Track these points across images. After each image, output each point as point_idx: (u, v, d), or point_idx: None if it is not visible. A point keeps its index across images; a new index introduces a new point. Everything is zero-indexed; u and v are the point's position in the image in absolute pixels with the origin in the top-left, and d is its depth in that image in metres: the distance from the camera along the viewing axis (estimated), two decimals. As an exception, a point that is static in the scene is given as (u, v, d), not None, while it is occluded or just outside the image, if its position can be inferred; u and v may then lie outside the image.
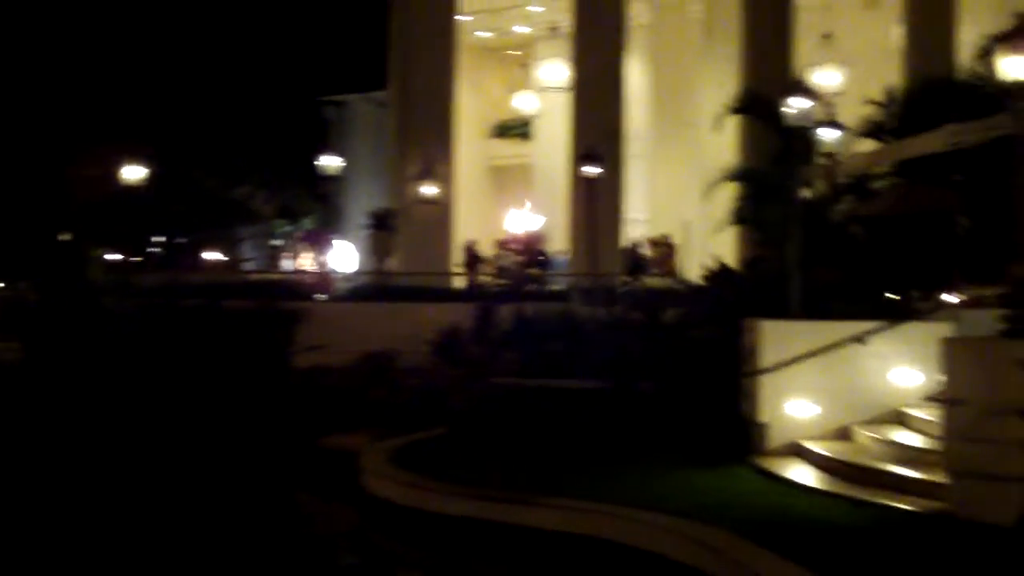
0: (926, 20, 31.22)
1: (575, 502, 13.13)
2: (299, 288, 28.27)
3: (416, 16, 31.91)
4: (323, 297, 27.35)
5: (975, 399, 11.39)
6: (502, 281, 32.20)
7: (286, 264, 34.41)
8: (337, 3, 51.28)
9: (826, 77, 32.96)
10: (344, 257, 36.66)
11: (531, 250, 34.28)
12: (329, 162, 31.36)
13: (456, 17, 32.45)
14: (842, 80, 33.41)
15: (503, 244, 35.98)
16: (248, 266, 43.21)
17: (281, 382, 21.49)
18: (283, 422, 20.57)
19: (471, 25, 39.73)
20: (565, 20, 35.29)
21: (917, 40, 31.09)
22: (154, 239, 39.46)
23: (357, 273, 31.29)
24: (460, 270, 32.06)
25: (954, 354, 12.12)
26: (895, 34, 33.15)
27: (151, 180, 30.47)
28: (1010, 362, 11.03)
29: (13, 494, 16.84)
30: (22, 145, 42.66)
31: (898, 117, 26.73)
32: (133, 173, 29.41)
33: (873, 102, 27.48)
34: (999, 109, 23.60)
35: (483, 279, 30.80)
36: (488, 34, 43.89)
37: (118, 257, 35.59)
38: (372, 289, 27.55)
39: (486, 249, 35.38)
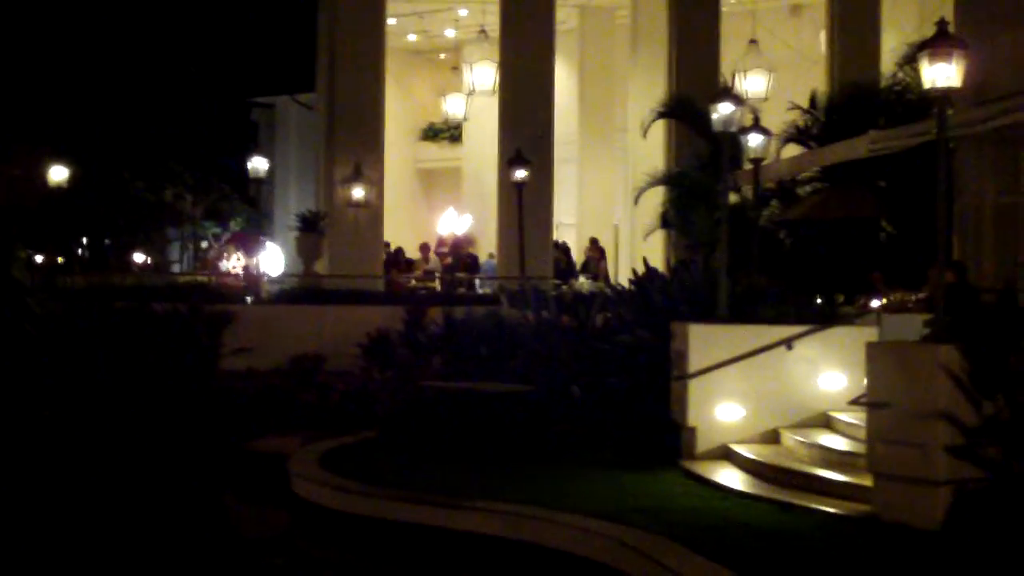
0: (849, 27, 31.56)
1: (503, 505, 13.17)
2: (227, 291, 28.08)
3: (344, 18, 31.79)
4: (251, 300, 27.18)
5: (900, 403, 11.57)
6: (430, 284, 32.23)
7: (215, 266, 34.18)
8: (265, 4, 51.05)
9: (752, 83, 33.23)
10: (272, 259, 36.52)
11: (460, 253, 34.29)
12: (257, 164, 31.14)
13: (385, 20, 32.37)
14: (768, 86, 33.70)
15: (429, 248, 35.96)
16: (175, 268, 42.86)
17: (208, 385, 21.34)
18: (210, 425, 20.44)
19: (399, 28, 39.69)
20: (493, 23, 35.34)
21: (841, 46, 31.44)
22: (80, 240, 39.08)
23: (285, 276, 31.16)
24: (385, 273, 32.01)
25: (879, 358, 12.29)
26: (820, 40, 33.51)
27: (77, 180, 30.15)
28: (934, 366, 11.21)
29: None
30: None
31: (822, 123, 27.06)
32: (58, 174, 29.07)
33: (798, 108, 27.80)
34: (923, 115, 24.01)
35: (411, 282, 30.77)
36: (416, 37, 43.87)
37: (43, 258, 35.17)
38: (301, 292, 27.41)
39: (414, 252, 35.35)
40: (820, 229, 25.46)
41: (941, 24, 12.74)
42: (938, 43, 12.47)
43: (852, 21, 31.36)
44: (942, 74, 12.35)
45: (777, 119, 26.47)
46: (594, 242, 34.41)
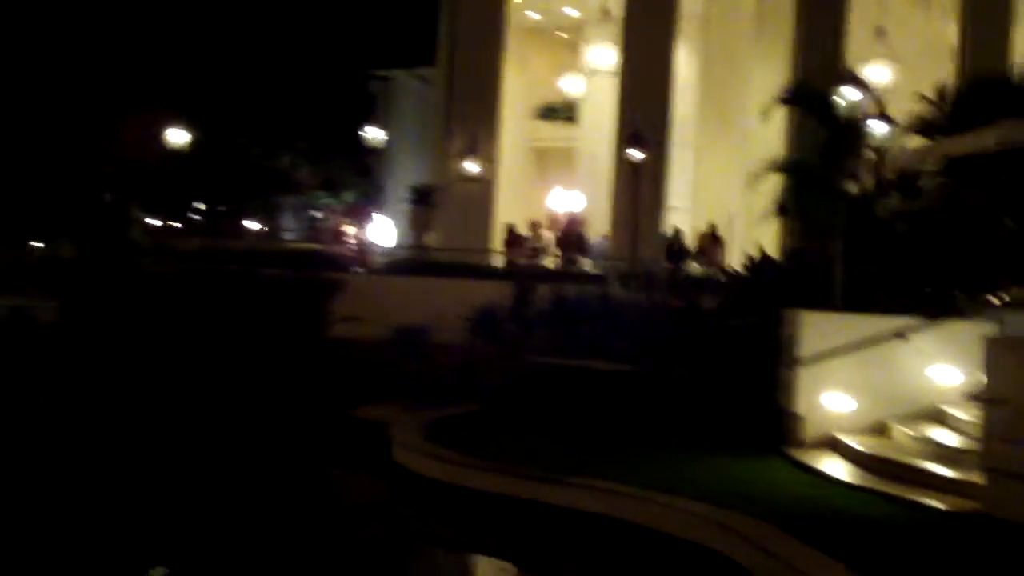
0: (981, 18, 30.90)
1: (606, 483, 13.03)
2: (338, 260, 28.24)
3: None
4: (361, 270, 27.30)
5: (1016, 400, 11.22)
6: (539, 262, 32.11)
7: (334, 236, 34.40)
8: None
9: (877, 72, 32.64)
10: (384, 231, 36.65)
11: (571, 232, 34.12)
12: (373, 135, 31.29)
13: (508, -3, 32.40)
14: (893, 76, 33.09)
15: (540, 225, 35.81)
16: (288, 236, 43.25)
17: (316, 351, 21.48)
18: (316, 391, 20.58)
19: (521, 5, 39.57)
20: (616, 5, 35.10)
21: (971, 38, 30.79)
22: (195, 204, 39.53)
23: (396, 247, 31.27)
24: (500, 249, 31.96)
25: (997, 354, 11.94)
26: (948, 31, 32.82)
27: (195, 145, 30.51)
28: (1054, 363, 10.86)
29: (45, 457, 16.89)
30: (68, 103, 42.76)
31: (949, 115, 26.40)
32: (178, 137, 29.44)
33: (924, 99, 27.18)
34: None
35: (522, 260, 30.66)
36: (538, 15, 43.70)
37: (159, 221, 35.67)
38: (410, 264, 27.49)
39: (525, 229, 35.26)
40: (939, 222, 24.89)
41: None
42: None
43: (983, 12, 30.68)
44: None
45: (900, 111, 25.91)
46: (712, 229, 34.06)
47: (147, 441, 18.07)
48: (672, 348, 17.64)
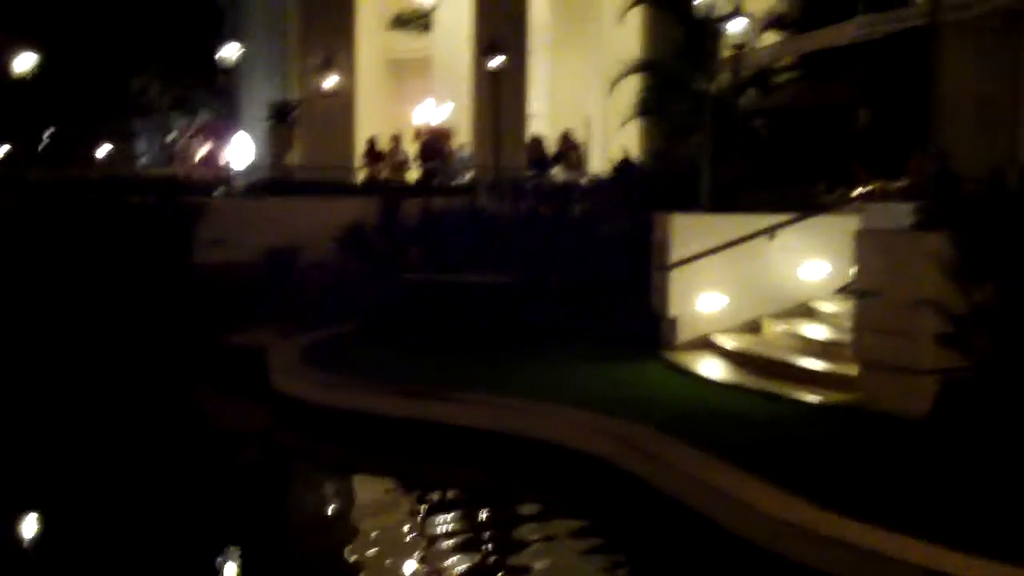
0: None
1: (488, 396, 13.10)
2: (198, 183, 27.72)
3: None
4: (222, 191, 26.82)
5: (888, 292, 11.49)
6: (403, 176, 31.85)
7: (183, 157, 33.74)
8: None
9: (728, -32, 32.75)
10: (243, 150, 35.98)
11: (433, 144, 33.88)
12: (227, 52, 30.55)
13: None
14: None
15: (400, 139, 35.48)
16: (143, 160, 42.30)
17: (183, 278, 21.11)
18: (186, 318, 20.28)
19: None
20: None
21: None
22: (45, 131, 38.37)
23: (257, 167, 30.75)
24: (362, 164, 31.66)
25: (867, 246, 12.19)
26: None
27: (41, 70, 29.55)
28: (923, 254, 11.10)
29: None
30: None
31: (801, 9, 26.70)
32: (23, 62, 28.46)
33: (776, -7, 27.42)
34: (902, 2, 23.73)
35: (385, 174, 30.38)
36: (386, -77, 43.02)
37: (5, 148, 34.59)
38: (273, 183, 27.06)
39: (387, 143, 34.93)
40: (797, 117, 25.25)
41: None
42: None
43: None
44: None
45: (754, 6, 26.12)
46: (568, 134, 34.07)
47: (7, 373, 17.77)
48: (545, 257, 17.70)
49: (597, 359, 15.04)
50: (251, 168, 30.18)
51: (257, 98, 39.63)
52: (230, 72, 31.89)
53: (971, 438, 10.24)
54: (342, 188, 26.58)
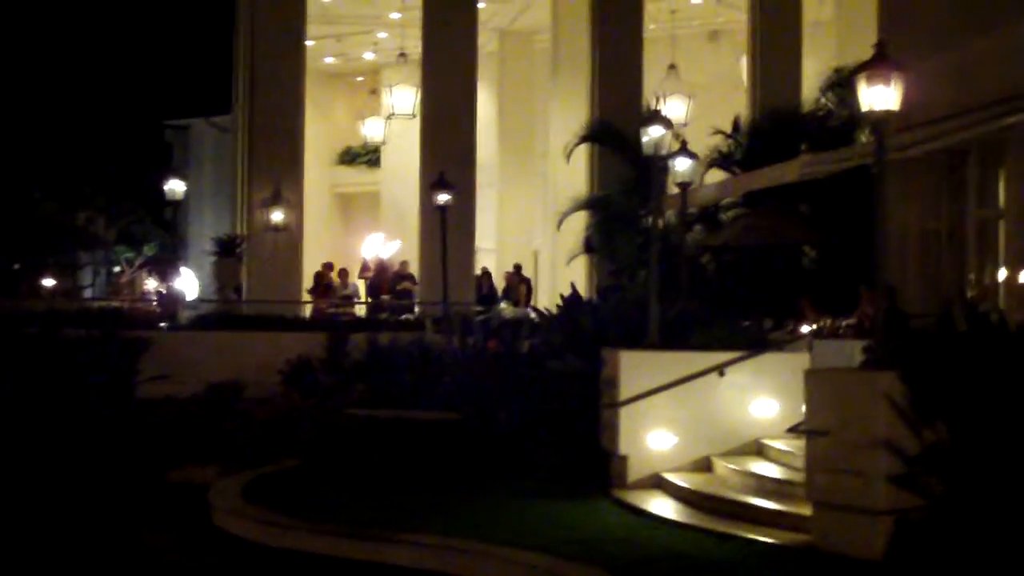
0: (770, 52, 31.74)
1: (432, 538, 12.81)
2: (142, 316, 27.46)
3: (262, 40, 31.34)
4: (167, 326, 26.58)
5: (839, 431, 11.40)
6: (350, 309, 31.79)
7: (127, 291, 33.51)
8: (178, 26, 50.41)
9: (673, 107, 33.26)
10: (189, 284, 35.85)
11: (381, 278, 33.88)
12: (174, 186, 30.47)
13: (304, 42, 31.98)
14: (688, 110, 33.76)
15: (348, 273, 35.50)
16: (87, 293, 41.96)
17: (125, 413, 20.76)
18: (127, 455, 19.87)
19: (317, 50, 39.32)
20: (414, 46, 35.10)
21: (762, 72, 31.60)
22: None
23: (202, 301, 30.57)
24: (309, 298, 31.55)
25: (817, 385, 12.14)
26: (740, 65, 33.64)
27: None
28: (874, 394, 11.05)
29: None
30: None
31: (746, 148, 27.14)
32: (-35, 196, 28.25)
33: (721, 133, 27.84)
34: (845, 141, 24.17)
35: (332, 308, 30.32)
36: (334, 59, 43.56)
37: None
38: (219, 317, 26.87)
39: (333, 278, 34.90)
40: (744, 254, 25.47)
41: (880, 46, 12.62)
42: (877, 65, 12.33)
43: (773, 47, 31.55)
44: (880, 97, 12.21)
45: (698, 144, 26.37)
46: (517, 268, 34.25)
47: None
48: (492, 393, 17.54)
49: (548, 497, 14.80)
50: (196, 302, 30.00)
51: (204, 231, 39.67)
52: (177, 205, 31.79)
53: (926, 579, 10.12)
54: (289, 322, 26.42)
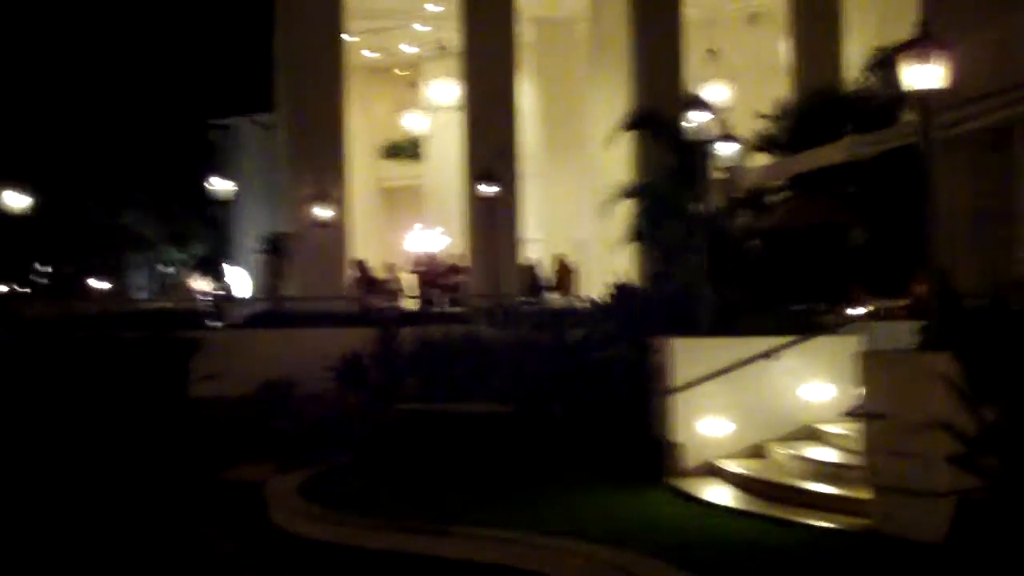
0: (812, 34, 31.53)
1: (489, 531, 12.83)
2: (193, 316, 27.64)
3: (301, 37, 31.44)
4: (218, 324, 26.74)
5: (897, 413, 11.34)
6: (399, 303, 31.85)
7: (188, 290, 33.79)
8: (218, 25, 50.62)
9: (715, 92, 33.16)
10: (238, 283, 36.05)
11: (432, 271, 33.91)
12: (219, 186, 30.68)
13: (342, 37, 32.02)
14: (731, 95, 33.62)
15: (395, 266, 35.57)
16: (142, 294, 42.32)
17: (179, 414, 20.92)
18: (182, 455, 20.03)
19: (357, 45, 39.42)
20: (453, 39, 35.12)
21: (804, 54, 31.40)
22: (40, 268, 38.40)
23: (252, 299, 30.74)
24: (356, 293, 31.63)
25: (872, 368, 12.07)
26: (782, 48, 33.44)
27: (36, 207, 29.65)
28: (930, 375, 10.98)
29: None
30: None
31: (790, 130, 26.97)
32: (17, 201, 28.51)
33: (764, 116, 27.69)
34: (889, 120, 23.96)
35: (381, 303, 30.36)
36: (375, 54, 43.66)
37: (3, 288, 34.56)
38: (269, 315, 26.99)
39: (381, 272, 34.98)
40: (792, 237, 25.31)
41: (923, 25, 12.51)
42: (919, 44, 12.23)
43: (814, 28, 31.33)
44: (924, 76, 12.11)
45: (741, 128, 26.33)
46: (562, 259, 34.23)
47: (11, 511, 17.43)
48: (545, 384, 17.55)
49: (602, 488, 14.81)
50: (248, 299, 30.16)
51: (251, 230, 39.84)
52: (224, 205, 31.97)
53: (990, 561, 10.04)
54: (339, 318, 26.48)
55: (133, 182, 43.49)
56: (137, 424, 20.73)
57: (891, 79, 21.27)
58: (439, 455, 16.72)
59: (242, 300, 30.32)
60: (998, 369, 10.89)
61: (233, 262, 38.59)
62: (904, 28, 14.05)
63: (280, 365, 22.34)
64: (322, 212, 29.96)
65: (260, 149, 44.71)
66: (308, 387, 21.45)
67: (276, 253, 29.30)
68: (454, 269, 33.18)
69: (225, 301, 28.62)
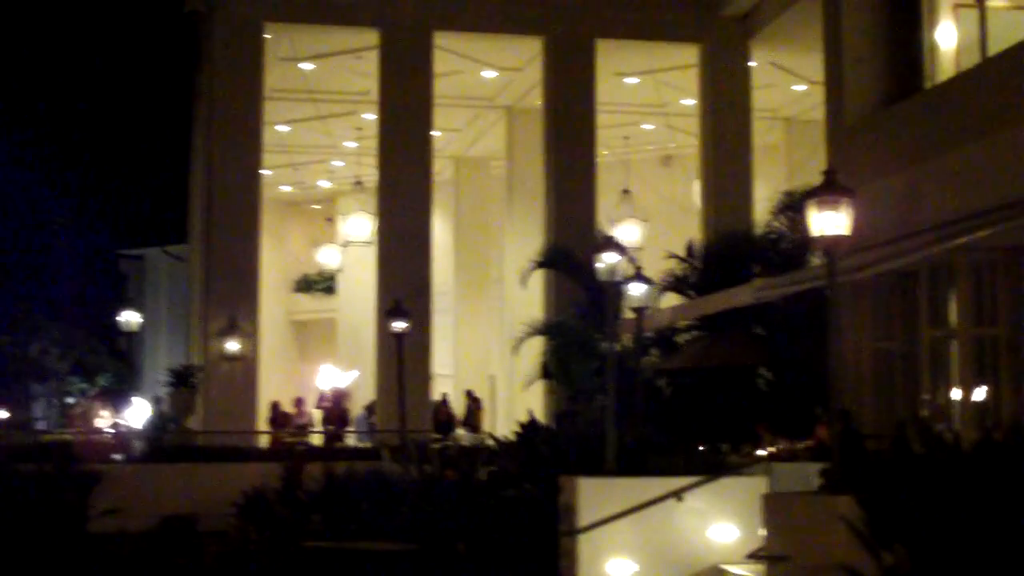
0: (722, 176, 32.06)
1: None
2: (96, 449, 27.11)
3: (220, 169, 31.39)
4: (121, 458, 26.27)
5: (799, 555, 11.35)
6: (306, 439, 31.54)
7: (84, 423, 33.19)
8: (134, 154, 50.63)
9: (628, 232, 33.57)
10: (142, 416, 35.54)
11: (337, 407, 33.73)
12: (128, 317, 30.36)
13: (261, 171, 32.11)
14: (643, 235, 34.07)
15: (304, 401, 35.36)
16: (40, 425, 41.54)
17: (77, 549, 20.41)
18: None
19: (273, 179, 39.59)
20: (369, 174, 35.33)
21: (715, 196, 31.90)
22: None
23: (156, 433, 30.22)
24: (266, 429, 31.30)
25: (775, 510, 12.12)
26: (694, 190, 33.99)
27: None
28: (831, 517, 11.01)
29: None
30: None
31: (700, 271, 27.31)
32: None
33: (674, 256, 28.03)
34: (797, 263, 24.38)
35: (288, 439, 30.04)
36: (291, 188, 43.85)
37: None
38: (173, 449, 26.58)
39: (289, 407, 34.69)
40: (700, 377, 25.50)
41: (829, 173, 12.82)
42: (826, 191, 12.52)
43: (725, 171, 31.90)
44: (830, 222, 12.38)
45: (652, 268, 26.56)
46: (470, 393, 34.21)
47: None
48: (450, 522, 17.37)
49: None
50: (151, 433, 29.70)
51: (159, 362, 39.45)
52: (131, 336, 31.62)
53: None
54: (244, 453, 26.17)
55: (40, 311, 43.01)
56: (33, 560, 20.20)
57: (799, 223, 21.77)
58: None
59: (147, 433, 29.80)
60: (899, 512, 10.94)
61: (140, 394, 38.12)
62: (813, 174, 14.37)
63: (184, 500, 21.99)
64: (232, 345, 29.70)
65: (172, 280, 44.52)
66: (211, 523, 21.08)
67: (184, 386, 28.95)
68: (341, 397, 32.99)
69: (129, 434, 28.11)
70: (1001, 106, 17.98)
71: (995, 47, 18.96)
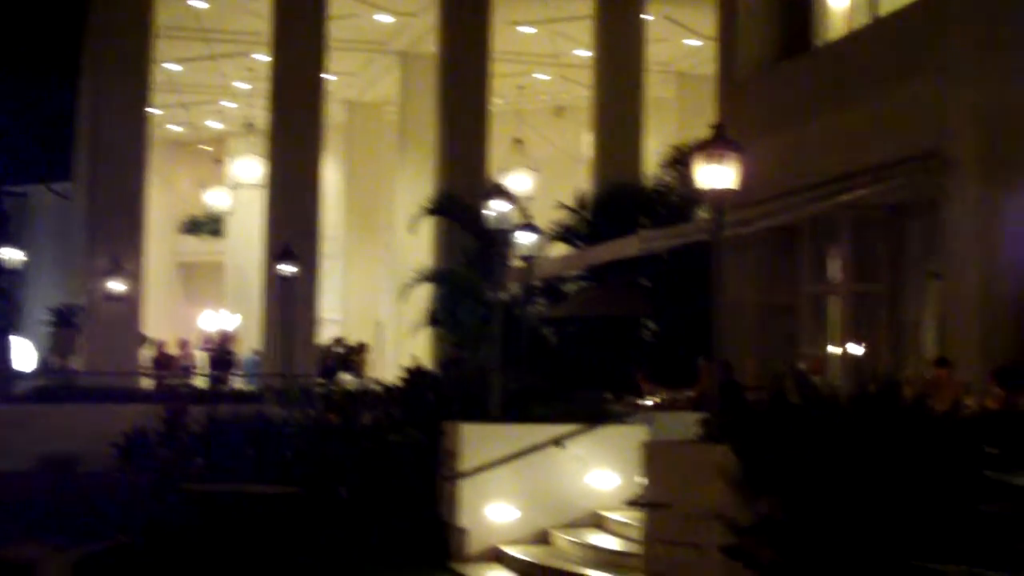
0: (613, 128, 32.18)
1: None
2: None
3: (106, 107, 30.83)
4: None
5: (677, 503, 11.54)
6: (191, 381, 31.29)
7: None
8: (18, 89, 49.45)
9: (519, 181, 33.64)
10: (23, 355, 34.95)
11: (222, 350, 33.48)
12: (9, 255, 29.75)
13: (148, 109, 31.58)
14: (534, 184, 34.15)
15: (188, 343, 35.05)
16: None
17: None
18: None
19: (162, 118, 38.99)
20: (260, 116, 34.96)
21: (606, 148, 32.02)
22: None
23: (37, 372, 29.82)
24: (149, 370, 30.97)
25: (654, 458, 12.29)
26: (583, 141, 34.13)
27: None
28: (709, 466, 11.20)
29: None
30: None
31: (588, 222, 27.47)
32: None
33: (564, 206, 28.16)
34: (684, 216, 24.66)
35: (172, 380, 29.78)
36: (180, 128, 43.22)
37: None
38: (54, 389, 26.20)
39: (174, 348, 34.36)
40: (586, 327, 25.70)
41: (718, 127, 12.92)
42: (714, 145, 12.63)
43: (616, 123, 32.01)
44: (717, 176, 12.50)
45: (542, 218, 26.67)
46: (358, 341, 34.15)
47: None
48: (333, 467, 17.37)
49: (385, 572, 14.72)
50: (32, 373, 29.28)
51: (40, 301, 38.78)
52: (12, 275, 31.05)
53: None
54: (127, 394, 25.84)
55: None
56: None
57: (688, 177, 21.96)
58: (223, 536, 16.35)
59: (26, 373, 29.35)
60: (774, 462, 11.15)
61: (21, 334, 37.45)
62: (703, 128, 14.48)
63: (64, 441, 21.65)
64: (116, 285, 29.28)
65: (56, 219, 43.72)
66: (92, 464, 20.80)
67: (66, 326, 28.52)
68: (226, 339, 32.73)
69: (7, 374, 27.64)
70: (888, 67, 18.31)
71: (886, 8, 19.25)
